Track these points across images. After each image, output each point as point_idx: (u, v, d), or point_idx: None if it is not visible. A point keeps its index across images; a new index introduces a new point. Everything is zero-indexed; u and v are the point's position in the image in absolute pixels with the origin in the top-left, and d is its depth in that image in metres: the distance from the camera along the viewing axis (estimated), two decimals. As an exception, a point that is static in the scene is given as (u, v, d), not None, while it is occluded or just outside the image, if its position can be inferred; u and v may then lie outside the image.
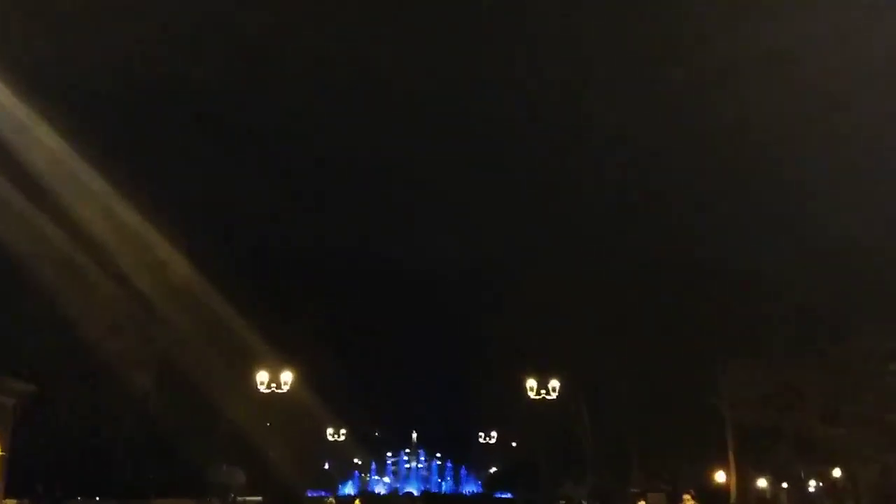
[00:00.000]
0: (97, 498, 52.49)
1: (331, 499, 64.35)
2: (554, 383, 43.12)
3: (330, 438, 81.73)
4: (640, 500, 14.36)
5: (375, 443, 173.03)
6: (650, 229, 63.30)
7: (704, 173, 57.64)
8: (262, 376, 40.26)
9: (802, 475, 63.27)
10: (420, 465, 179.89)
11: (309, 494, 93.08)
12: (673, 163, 59.69)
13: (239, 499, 76.44)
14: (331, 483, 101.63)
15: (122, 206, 50.40)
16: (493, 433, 74.47)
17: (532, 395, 42.95)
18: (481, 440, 75.31)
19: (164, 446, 61.33)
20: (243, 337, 66.77)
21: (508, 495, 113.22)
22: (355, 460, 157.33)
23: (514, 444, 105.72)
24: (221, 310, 62.02)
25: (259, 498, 65.73)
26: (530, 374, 44.52)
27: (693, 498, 11.98)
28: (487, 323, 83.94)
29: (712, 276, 55.70)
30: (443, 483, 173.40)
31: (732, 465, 57.94)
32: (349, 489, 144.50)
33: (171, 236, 54.33)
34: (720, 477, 60.65)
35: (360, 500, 62.47)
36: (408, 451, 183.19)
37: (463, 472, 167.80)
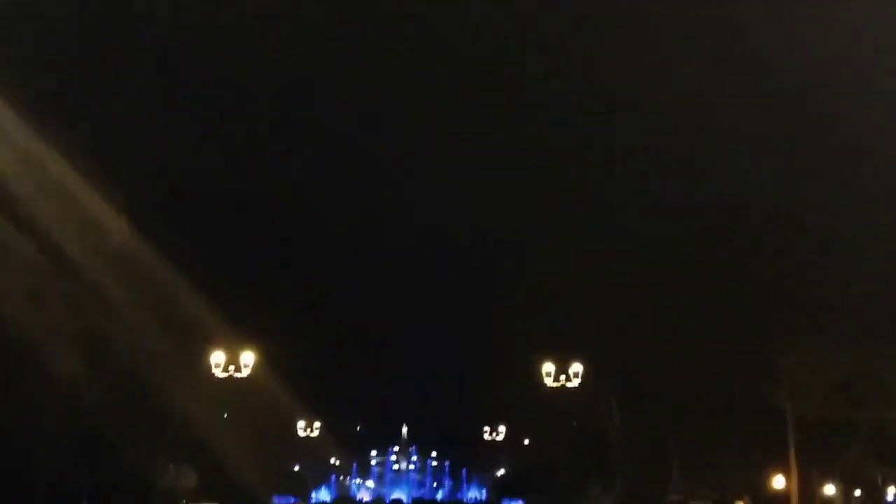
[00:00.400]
0: (15, 505, 52.77)
1: (302, 506, 64.89)
2: (576, 368, 43.16)
3: (301, 434, 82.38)
4: None
5: (357, 439, 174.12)
6: (695, 185, 63.22)
7: (765, 114, 57.45)
8: (217, 357, 40.27)
9: (880, 480, 63.66)
10: (411, 467, 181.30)
11: (276, 501, 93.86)
12: (724, 100, 59.40)
13: (192, 504, 77.19)
14: (302, 487, 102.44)
15: (43, 151, 50.07)
16: (501, 428, 74.99)
17: (549, 382, 42.93)
18: (486, 436, 75.73)
19: (97, 442, 61.56)
20: (194, 310, 66.84)
21: (519, 503, 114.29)
22: (332, 460, 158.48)
23: (526, 442, 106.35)
24: (168, 277, 61.96)
25: (216, 504, 66.32)
26: (547, 357, 44.47)
27: None
28: (496, 295, 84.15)
29: (773, 240, 55.66)
30: (439, 488, 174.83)
31: (793, 467, 58.30)
32: (324, 495, 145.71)
33: (105, 188, 54.09)
34: (778, 482, 61.00)
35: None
36: (396, 449, 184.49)
37: (464, 474, 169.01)
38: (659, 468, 70.16)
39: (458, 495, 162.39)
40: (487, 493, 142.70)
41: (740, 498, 15.32)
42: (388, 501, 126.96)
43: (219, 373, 39.91)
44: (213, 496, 71.66)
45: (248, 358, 40.42)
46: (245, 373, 40.28)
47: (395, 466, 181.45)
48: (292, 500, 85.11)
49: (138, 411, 62.95)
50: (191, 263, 66.70)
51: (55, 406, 57.84)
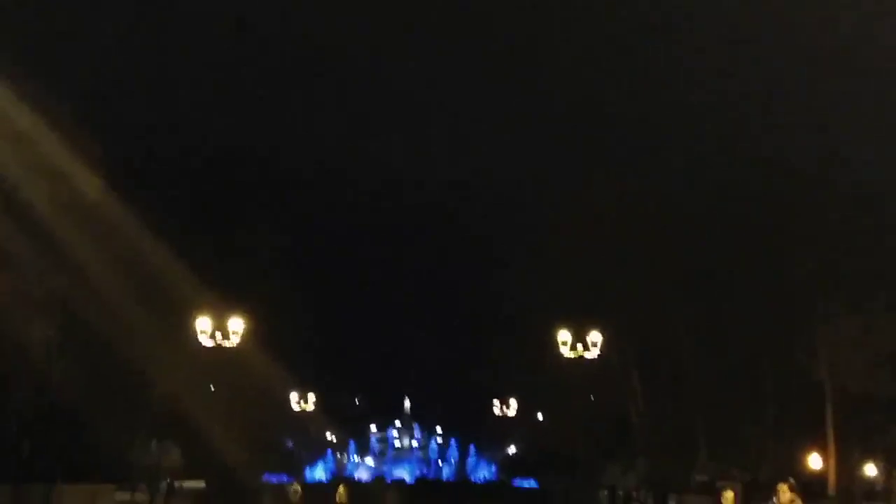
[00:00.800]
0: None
1: (295, 486, 64.84)
2: (594, 337, 42.75)
3: (295, 407, 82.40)
4: (727, 491, 14.09)
5: (355, 414, 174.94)
6: (728, 139, 62.91)
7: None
8: (203, 324, 39.84)
9: (925, 460, 63.57)
10: (415, 444, 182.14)
11: (266, 480, 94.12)
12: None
13: (177, 484, 77.41)
14: (295, 465, 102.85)
15: (10, 101, 49.66)
16: (512, 402, 74.87)
17: (565, 352, 42.55)
18: (496, 411, 75.64)
19: (72, 418, 61.57)
20: (178, 274, 66.68)
21: (531, 484, 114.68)
22: (328, 436, 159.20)
23: (539, 418, 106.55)
24: (147, 239, 61.82)
25: (201, 483, 66.44)
26: (563, 325, 44.08)
27: (792, 489, 12.10)
28: (508, 258, 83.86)
29: (814, 202, 55.23)
30: (444, 467, 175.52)
31: (832, 446, 58.22)
32: (320, 473, 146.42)
33: (79, 142, 53.74)
34: (815, 461, 60.94)
35: (345, 487, 63.15)
36: (398, 424, 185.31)
37: (471, 453, 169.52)
38: (684, 446, 70.14)
39: (466, 475, 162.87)
40: (497, 472, 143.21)
41: (784, 480, 15.02)
42: (389, 481, 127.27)
43: (205, 340, 39.45)
44: (199, 474, 71.85)
45: (236, 325, 40.00)
46: (234, 341, 39.84)
47: (397, 443, 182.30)
48: (285, 479, 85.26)
49: (114, 383, 62.93)
50: (174, 224, 66.53)
51: (25, 379, 57.80)
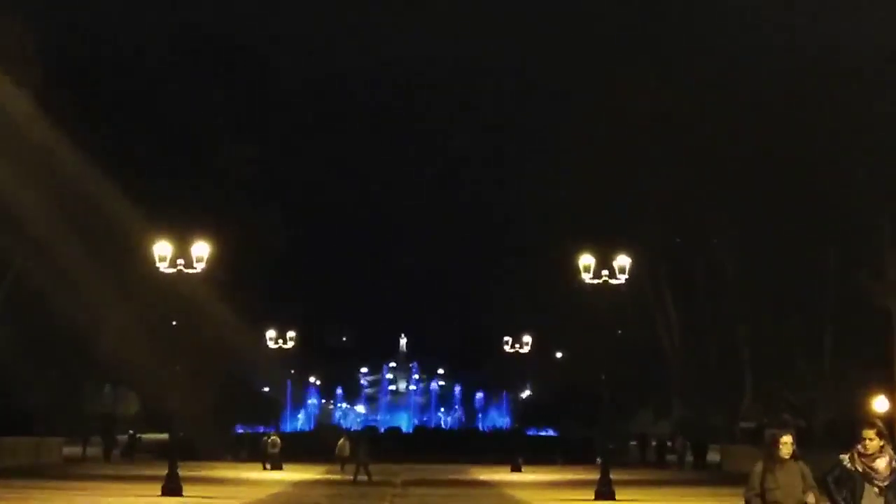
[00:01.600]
0: None
1: (273, 437, 65.78)
2: (622, 261, 42.70)
3: (271, 346, 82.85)
4: (784, 435, 13.93)
5: (342, 354, 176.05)
6: (768, 29, 62.60)
7: None
8: (162, 249, 39.87)
9: None
10: (412, 388, 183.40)
11: (239, 431, 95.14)
12: None
13: (139, 436, 78.29)
14: (273, 413, 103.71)
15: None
16: (527, 339, 74.95)
17: (587, 278, 42.68)
18: (507, 349, 76.10)
19: (13, 361, 62.15)
20: (130, 191, 66.86)
21: (549, 433, 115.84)
22: (311, 379, 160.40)
23: (558, 356, 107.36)
24: (89, 163, 62.10)
25: (164, 435, 67.07)
26: (584, 248, 44.14)
27: (881, 435, 11.65)
28: (521, 171, 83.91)
29: (883, 99, 55.08)
30: (447, 414, 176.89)
31: (901, 386, 58.62)
32: (301, 422, 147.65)
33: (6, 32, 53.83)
34: (881, 404, 61.39)
35: (350, 438, 64.18)
36: (393, 365, 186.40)
37: (479, 398, 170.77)
38: (727, 387, 70.79)
39: (473, 423, 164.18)
40: (510, 420, 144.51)
41: (870, 424, 14.82)
42: (382, 431, 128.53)
43: (165, 268, 39.52)
44: (162, 426, 72.49)
45: (201, 249, 39.97)
46: (198, 268, 39.90)
47: (392, 387, 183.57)
48: (262, 429, 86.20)
49: (62, 322, 63.38)
50: (123, 142, 66.81)
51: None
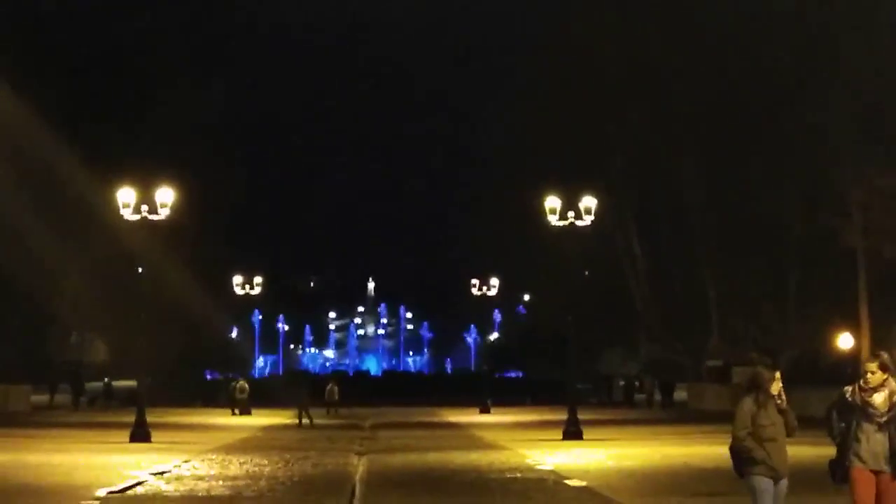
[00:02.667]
0: None
1: (241, 382, 65.87)
2: (588, 202, 42.70)
3: (238, 291, 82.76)
4: (775, 373, 13.59)
5: (310, 298, 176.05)
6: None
7: None
8: (126, 196, 39.68)
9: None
10: (381, 332, 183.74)
11: (207, 377, 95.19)
12: None
13: (108, 382, 78.15)
14: (240, 359, 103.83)
15: None
16: (494, 281, 75.17)
17: (554, 220, 42.72)
18: (475, 291, 76.27)
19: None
20: (90, 139, 66.43)
21: (517, 374, 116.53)
22: (279, 325, 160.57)
23: (526, 298, 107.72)
24: (44, 107, 61.80)
25: (133, 383, 67.05)
26: (550, 190, 44.16)
27: (885, 367, 11.18)
28: (485, 109, 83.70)
29: (853, 32, 54.98)
30: (415, 357, 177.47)
31: (865, 322, 58.98)
32: (268, 368, 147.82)
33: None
34: (845, 341, 61.91)
35: (336, 384, 64.98)
36: (361, 309, 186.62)
37: (448, 340, 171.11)
38: (694, 327, 71.20)
39: (441, 366, 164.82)
40: (477, 363, 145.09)
41: (873, 356, 14.19)
42: (350, 374, 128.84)
43: (129, 214, 39.35)
44: (130, 373, 72.44)
45: (165, 195, 39.79)
46: (163, 214, 39.75)
47: (360, 331, 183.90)
48: (230, 375, 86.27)
49: (25, 267, 63.06)
50: (79, 83, 66.34)
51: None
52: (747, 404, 12.24)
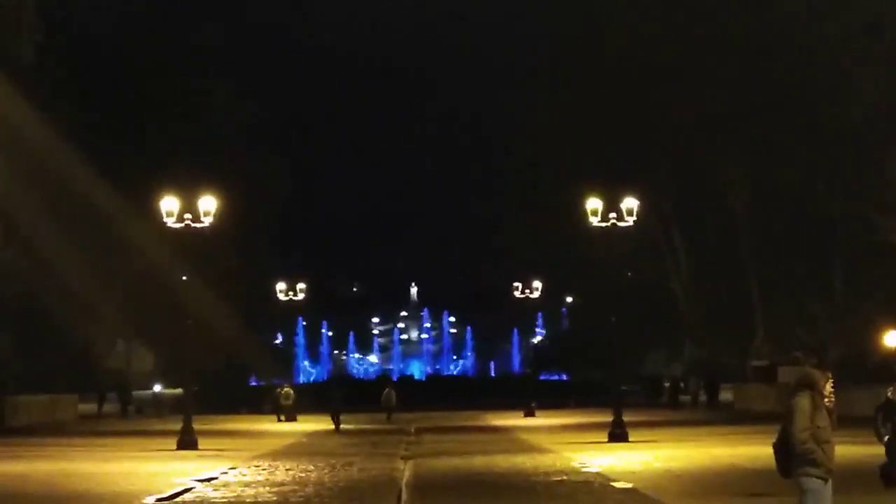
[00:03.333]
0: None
1: (286, 388, 66.03)
2: (629, 203, 42.64)
3: (282, 298, 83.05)
4: (815, 369, 13.30)
5: (354, 303, 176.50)
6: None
7: None
8: (169, 204, 39.98)
9: None
10: (424, 336, 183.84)
11: (253, 384, 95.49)
12: None
13: (158, 391, 78.67)
14: (285, 365, 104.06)
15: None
16: (537, 284, 75.08)
17: (596, 221, 42.64)
18: (518, 295, 76.13)
19: (22, 319, 62.32)
20: (138, 148, 67.01)
21: (561, 377, 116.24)
22: (323, 330, 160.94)
23: (569, 300, 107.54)
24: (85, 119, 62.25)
25: (179, 390, 67.54)
26: (592, 192, 44.08)
27: None
28: (525, 111, 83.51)
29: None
30: (459, 360, 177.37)
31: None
32: (314, 374, 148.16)
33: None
34: (892, 339, 61.45)
35: (391, 388, 64.45)
36: (404, 314, 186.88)
37: (491, 343, 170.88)
38: (738, 326, 70.84)
39: (484, 369, 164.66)
40: (521, 365, 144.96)
41: None
42: (395, 379, 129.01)
43: (172, 223, 39.62)
44: (176, 381, 72.95)
45: (208, 203, 40.04)
46: (206, 222, 39.99)
47: (404, 336, 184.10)
48: (276, 381, 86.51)
49: (72, 279, 63.54)
50: (125, 95, 66.87)
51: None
52: (806, 404, 12.04)
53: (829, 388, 12.17)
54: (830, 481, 12.22)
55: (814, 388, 12.08)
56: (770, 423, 46.64)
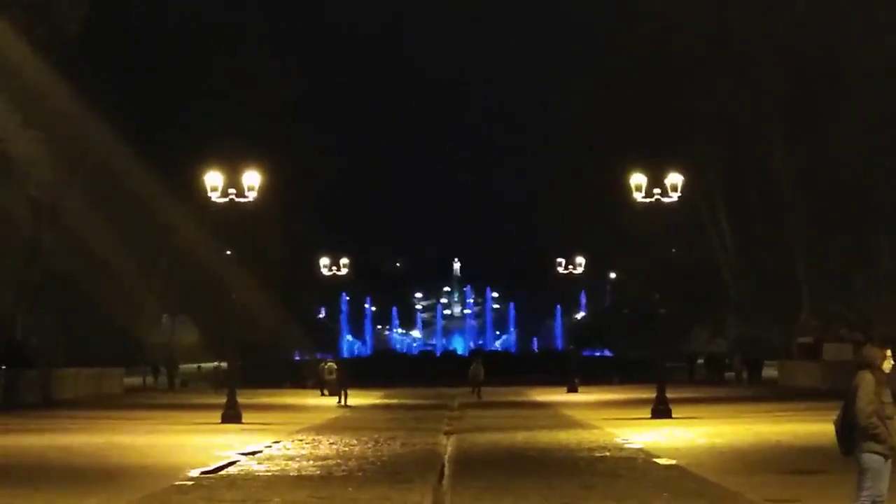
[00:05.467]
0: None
1: (330, 363, 66.24)
2: (674, 178, 42.38)
3: (325, 273, 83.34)
4: (876, 349, 13.22)
5: (397, 279, 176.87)
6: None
7: None
8: (213, 179, 40.07)
9: None
10: (467, 312, 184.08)
11: (297, 358, 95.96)
12: None
13: (203, 366, 79.19)
14: (329, 339, 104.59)
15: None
16: (580, 260, 74.82)
17: (640, 197, 42.40)
18: (561, 270, 75.94)
19: (69, 293, 62.78)
20: (177, 118, 67.19)
21: (605, 353, 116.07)
22: (366, 305, 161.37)
23: (612, 276, 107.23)
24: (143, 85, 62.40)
25: (222, 364, 67.96)
26: (636, 167, 43.82)
27: None
28: (568, 86, 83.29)
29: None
30: (502, 336, 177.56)
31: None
32: (358, 348, 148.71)
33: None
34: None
35: (479, 364, 63.05)
36: (447, 289, 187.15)
37: (534, 319, 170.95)
38: (784, 303, 70.43)
39: (528, 345, 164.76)
40: (564, 341, 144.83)
41: None
42: (438, 355, 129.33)
43: (216, 197, 39.73)
44: (219, 354, 73.33)
45: (252, 178, 40.15)
46: (250, 197, 40.10)
47: (447, 311, 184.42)
48: (319, 355, 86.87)
49: (115, 250, 63.95)
50: (171, 68, 66.96)
51: (9, 242, 58.77)
52: (870, 380, 11.95)
53: (889, 364, 12.09)
54: (890, 460, 12.10)
55: (873, 366, 12.01)
56: (815, 400, 46.47)
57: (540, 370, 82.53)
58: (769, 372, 74.25)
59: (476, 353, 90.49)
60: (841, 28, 60.04)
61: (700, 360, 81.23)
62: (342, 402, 53.14)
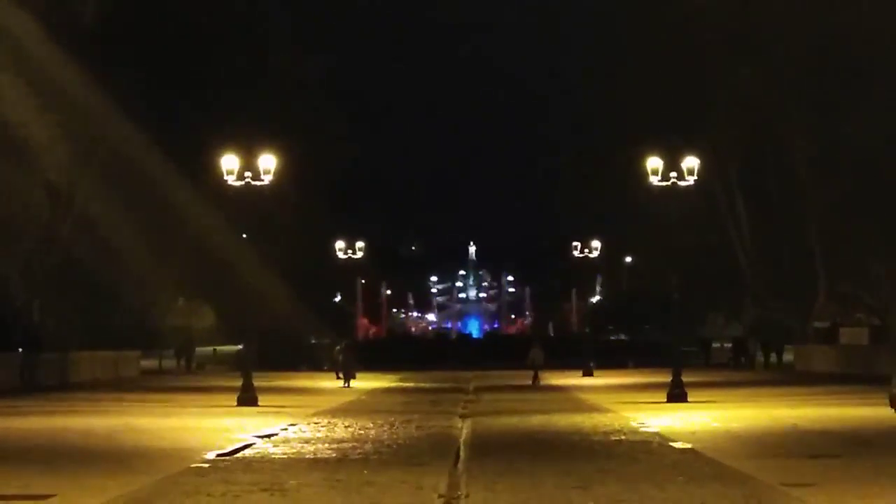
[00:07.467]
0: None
1: (343, 345, 66.41)
2: (690, 162, 42.34)
3: (341, 256, 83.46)
4: None
5: (412, 262, 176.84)
6: None
7: None
8: (229, 162, 40.13)
9: None
10: (482, 295, 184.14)
11: (313, 342, 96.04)
12: None
13: (219, 350, 79.48)
14: (345, 323, 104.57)
15: None
16: (595, 243, 74.89)
17: (656, 181, 42.36)
18: (576, 254, 75.98)
19: (85, 277, 62.97)
20: (192, 102, 67.17)
21: (620, 337, 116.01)
22: (382, 289, 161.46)
23: (628, 260, 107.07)
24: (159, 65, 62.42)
25: (238, 347, 68.23)
26: (652, 151, 43.76)
27: None
28: (584, 68, 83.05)
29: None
30: (517, 319, 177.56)
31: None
32: (374, 332, 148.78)
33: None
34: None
35: (537, 343, 61.85)
36: (462, 273, 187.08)
37: (549, 304, 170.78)
38: (800, 288, 70.29)
39: (543, 329, 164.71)
40: (579, 326, 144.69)
41: None
42: (452, 338, 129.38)
43: (232, 181, 39.81)
44: (234, 338, 73.59)
45: (268, 162, 40.21)
46: (266, 180, 40.17)
47: (462, 295, 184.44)
48: (334, 339, 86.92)
49: (131, 234, 64.10)
50: (187, 48, 66.89)
51: (26, 226, 58.93)
52: None
53: None
54: None
55: None
56: (831, 384, 46.39)
57: (555, 353, 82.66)
58: (785, 356, 74.22)
59: (536, 337, 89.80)
60: (862, 11, 59.72)
61: (714, 345, 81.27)
62: (346, 384, 53.28)
